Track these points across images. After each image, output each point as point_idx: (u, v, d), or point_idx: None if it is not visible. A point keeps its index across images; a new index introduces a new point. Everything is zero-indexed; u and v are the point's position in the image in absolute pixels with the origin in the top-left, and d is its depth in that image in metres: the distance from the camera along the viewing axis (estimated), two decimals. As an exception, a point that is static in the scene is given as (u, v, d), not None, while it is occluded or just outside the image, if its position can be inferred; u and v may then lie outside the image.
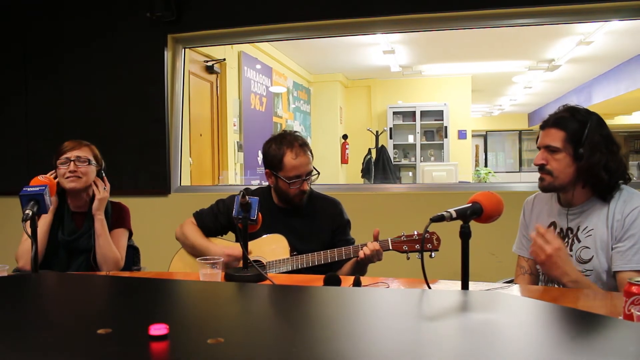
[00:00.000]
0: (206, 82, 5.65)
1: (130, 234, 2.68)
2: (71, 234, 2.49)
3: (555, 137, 1.93)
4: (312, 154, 2.49)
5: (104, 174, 2.57)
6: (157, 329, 0.90)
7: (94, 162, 2.53)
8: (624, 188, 1.94)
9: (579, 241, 1.96)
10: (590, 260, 1.92)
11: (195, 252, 2.47)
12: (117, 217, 2.60)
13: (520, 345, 0.94)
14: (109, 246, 2.48)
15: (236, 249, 2.36)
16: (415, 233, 2.28)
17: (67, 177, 2.44)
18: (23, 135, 4.31)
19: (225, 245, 2.46)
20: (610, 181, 1.91)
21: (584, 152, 1.89)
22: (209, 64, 5.58)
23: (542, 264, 1.88)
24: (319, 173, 2.51)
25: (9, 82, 4.37)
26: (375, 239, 2.28)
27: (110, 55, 4.20)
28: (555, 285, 2.01)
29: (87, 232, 2.50)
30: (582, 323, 1.06)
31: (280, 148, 2.43)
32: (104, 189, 2.53)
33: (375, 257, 2.26)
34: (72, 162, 2.46)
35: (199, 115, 5.39)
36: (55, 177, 2.45)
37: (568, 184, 1.95)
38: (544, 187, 2.00)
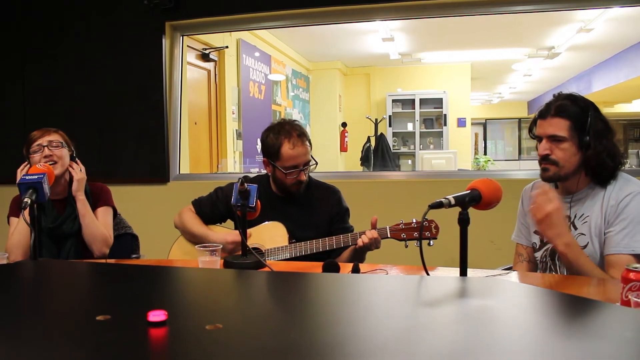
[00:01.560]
0: (203, 70, 5.63)
1: (115, 211, 2.67)
2: (54, 221, 2.49)
3: (561, 127, 1.90)
4: (310, 143, 2.48)
5: (76, 157, 2.56)
6: (156, 316, 0.91)
7: (66, 145, 2.52)
8: (620, 174, 1.94)
9: (576, 228, 1.96)
10: (585, 246, 1.92)
11: (194, 240, 2.47)
12: (98, 197, 2.60)
13: (518, 331, 0.94)
14: (95, 224, 2.48)
15: (238, 235, 2.36)
16: (414, 221, 2.28)
17: (45, 164, 2.41)
18: (20, 124, 4.29)
19: (227, 232, 2.45)
20: (613, 167, 1.91)
21: (590, 140, 1.88)
22: (207, 51, 5.55)
23: (539, 222, 1.86)
24: (316, 163, 2.50)
25: (6, 71, 4.35)
26: (373, 226, 2.28)
27: (108, 44, 4.17)
28: (553, 273, 2.02)
29: (70, 216, 2.49)
30: (579, 309, 1.06)
31: (278, 138, 2.42)
32: (81, 170, 2.52)
33: (373, 245, 2.26)
34: (45, 148, 2.45)
35: (195, 104, 5.37)
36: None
37: (572, 173, 1.94)
38: (549, 178, 1.97)
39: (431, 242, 2.23)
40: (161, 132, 4.10)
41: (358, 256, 2.34)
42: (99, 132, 4.17)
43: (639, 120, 14.07)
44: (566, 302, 1.12)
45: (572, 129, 1.90)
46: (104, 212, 2.59)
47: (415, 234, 2.25)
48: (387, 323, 0.98)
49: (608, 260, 1.86)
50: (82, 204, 2.48)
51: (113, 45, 4.16)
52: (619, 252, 1.83)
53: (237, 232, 2.37)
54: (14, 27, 4.32)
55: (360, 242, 2.25)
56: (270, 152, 2.45)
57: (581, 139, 1.89)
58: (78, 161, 2.56)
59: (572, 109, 1.91)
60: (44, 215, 2.48)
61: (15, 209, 2.49)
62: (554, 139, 1.92)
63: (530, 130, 2.05)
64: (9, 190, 2.51)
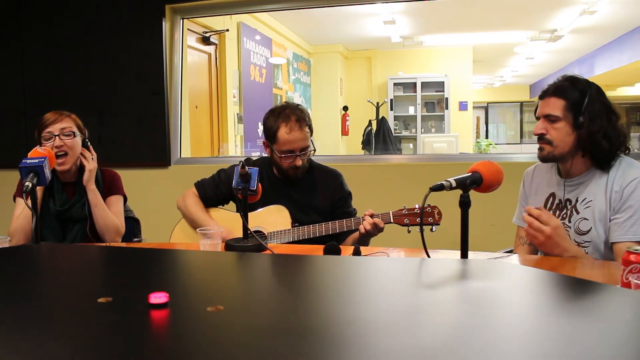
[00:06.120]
0: (203, 53, 5.60)
1: (125, 199, 2.65)
2: (63, 205, 2.47)
3: (556, 106, 1.91)
4: (310, 129, 2.46)
5: (88, 143, 2.51)
6: (157, 298, 0.91)
7: (78, 133, 2.47)
8: (623, 158, 1.93)
9: (578, 212, 1.96)
10: (588, 231, 1.92)
11: (195, 225, 2.48)
12: (109, 185, 2.57)
13: (519, 312, 0.94)
14: (107, 214, 2.46)
15: (234, 232, 2.34)
16: (417, 206, 2.26)
17: (55, 155, 2.39)
18: (21, 108, 4.28)
19: (227, 231, 2.42)
20: (610, 150, 1.90)
21: (583, 120, 1.88)
22: (208, 35, 5.51)
23: (541, 245, 1.86)
24: (315, 149, 2.49)
25: (5, 56, 4.33)
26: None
27: (108, 27, 4.14)
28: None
29: (79, 201, 2.47)
30: (580, 290, 1.06)
31: (277, 121, 2.42)
32: (92, 158, 2.48)
33: (376, 230, 2.26)
34: (56, 137, 2.40)
35: (196, 87, 5.35)
36: None
37: (567, 153, 1.93)
38: (544, 157, 1.98)
39: (434, 228, 2.23)
40: (162, 115, 4.09)
41: (362, 242, 2.34)
42: (99, 116, 4.15)
43: (641, 103, 14.04)
44: (567, 283, 1.12)
45: (567, 109, 1.90)
46: (115, 201, 2.56)
47: (418, 219, 2.24)
48: (388, 305, 0.99)
49: (617, 249, 1.85)
50: (94, 194, 2.44)
51: (113, 28, 4.14)
52: (629, 240, 1.82)
53: (237, 218, 2.35)
54: (11, 11, 4.29)
55: (362, 228, 2.24)
56: (269, 134, 2.45)
57: (576, 119, 1.89)
58: (90, 147, 2.50)
59: (570, 89, 1.91)
60: (52, 197, 2.47)
61: (22, 189, 2.47)
62: (549, 119, 1.93)
63: (535, 113, 2.06)
64: (9, 175, 2.51)
